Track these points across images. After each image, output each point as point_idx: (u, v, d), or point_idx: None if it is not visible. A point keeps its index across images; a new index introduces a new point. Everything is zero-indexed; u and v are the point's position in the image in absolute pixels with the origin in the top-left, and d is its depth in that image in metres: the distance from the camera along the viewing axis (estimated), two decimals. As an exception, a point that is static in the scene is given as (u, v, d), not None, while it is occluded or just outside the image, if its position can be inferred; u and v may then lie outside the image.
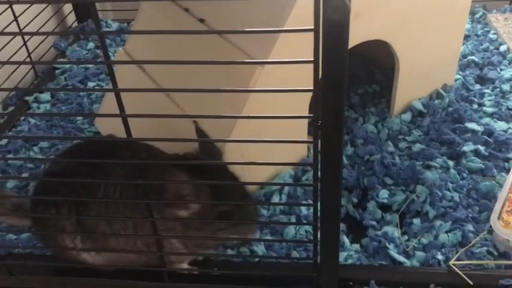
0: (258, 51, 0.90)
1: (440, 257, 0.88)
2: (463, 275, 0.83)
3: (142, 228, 0.78)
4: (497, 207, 0.91)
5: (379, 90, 1.32)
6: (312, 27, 0.51)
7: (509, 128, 1.16)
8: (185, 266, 0.87)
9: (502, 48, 1.46)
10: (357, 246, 0.93)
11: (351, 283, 0.84)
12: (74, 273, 0.87)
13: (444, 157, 1.08)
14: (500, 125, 1.16)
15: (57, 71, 1.53)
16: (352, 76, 1.36)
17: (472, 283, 0.82)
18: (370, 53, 1.33)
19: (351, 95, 1.30)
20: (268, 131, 0.94)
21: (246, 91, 0.87)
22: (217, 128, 0.92)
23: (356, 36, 0.99)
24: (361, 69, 1.38)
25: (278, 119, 0.86)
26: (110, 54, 1.58)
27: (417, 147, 1.12)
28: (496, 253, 0.89)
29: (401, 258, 0.89)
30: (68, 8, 1.77)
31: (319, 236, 0.67)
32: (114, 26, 1.78)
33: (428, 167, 1.06)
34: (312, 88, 0.55)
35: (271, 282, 0.81)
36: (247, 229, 0.80)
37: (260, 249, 0.92)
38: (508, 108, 1.22)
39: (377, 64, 1.38)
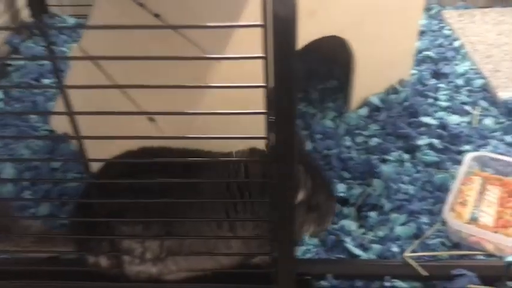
0: (213, 47, 0.89)
1: (395, 249, 0.89)
2: (417, 267, 0.85)
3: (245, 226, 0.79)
4: (450, 199, 0.93)
5: (338, 85, 1.33)
6: (261, 23, 0.50)
7: (462, 121, 1.19)
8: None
9: (456, 43, 1.50)
10: (315, 240, 0.93)
11: (309, 277, 0.84)
12: (40, 277, 0.84)
13: (400, 151, 1.10)
14: (453, 119, 1.19)
15: (10, 68, 1.48)
16: (311, 72, 1.36)
17: (425, 274, 0.84)
18: (328, 49, 1.34)
19: (310, 91, 1.31)
20: (232, 128, 0.93)
21: (200, 87, 0.87)
22: (175, 124, 0.91)
23: (313, 32, 0.99)
24: (320, 65, 1.39)
25: (237, 116, 0.85)
26: (66, 50, 1.55)
27: (374, 141, 1.13)
28: (449, 244, 0.91)
29: (358, 251, 0.90)
30: (21, 3, 1.72)
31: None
32: (72, 21, 1.74)
33: (384, 161, 1.08)
34: (263, 84, 0.55)
35: (228, 278, 0.80)
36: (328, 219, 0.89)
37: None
38: (461, 102, 1.26)
39: (335, 60, 1.39)
